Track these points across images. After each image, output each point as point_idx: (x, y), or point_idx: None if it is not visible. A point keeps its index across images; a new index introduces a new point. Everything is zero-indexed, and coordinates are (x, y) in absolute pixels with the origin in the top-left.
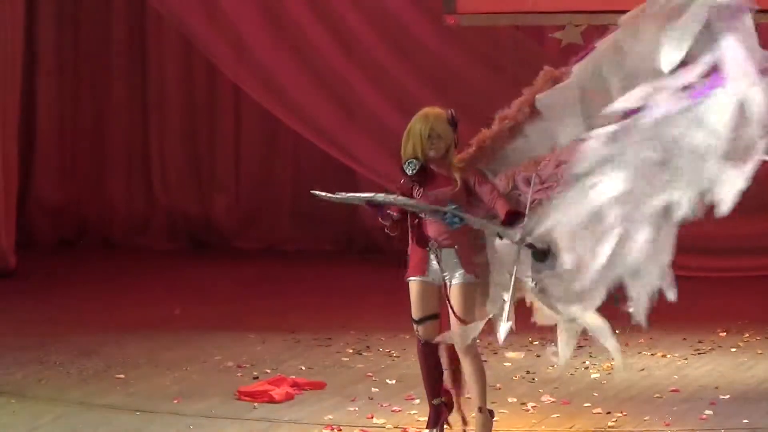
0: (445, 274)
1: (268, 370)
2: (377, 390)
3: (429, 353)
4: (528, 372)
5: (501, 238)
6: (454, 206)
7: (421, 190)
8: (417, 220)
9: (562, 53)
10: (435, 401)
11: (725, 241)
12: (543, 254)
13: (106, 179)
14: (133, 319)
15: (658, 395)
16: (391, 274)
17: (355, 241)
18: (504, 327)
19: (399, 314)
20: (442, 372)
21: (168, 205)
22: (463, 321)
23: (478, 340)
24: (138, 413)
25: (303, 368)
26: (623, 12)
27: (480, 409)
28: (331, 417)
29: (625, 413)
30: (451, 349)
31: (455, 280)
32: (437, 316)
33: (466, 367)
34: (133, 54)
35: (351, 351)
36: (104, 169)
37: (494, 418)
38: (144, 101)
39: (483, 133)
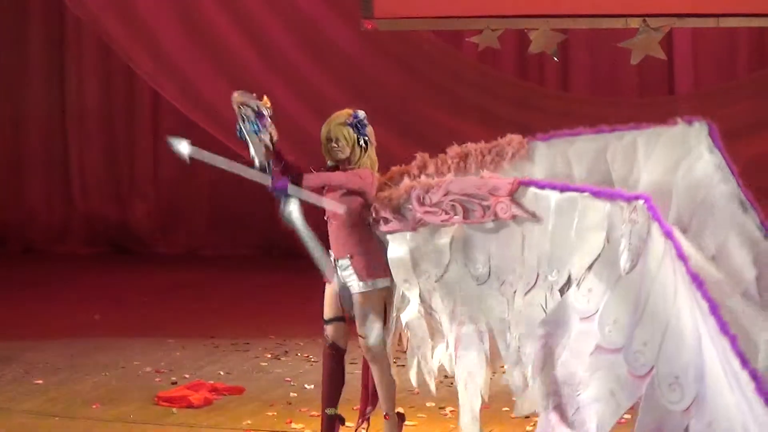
0: (346, 282)
1: (187, 375)
2: (295, 395)
3: (331, 356)
4: (446, 376)
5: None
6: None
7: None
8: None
9: (480, 57)
10: (328, 410)
11: None
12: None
13: (24, 185)
14: (53, 325)
15: None
16: (309, 278)
17: (274, 245)
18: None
19: (317, 319)
20: (342, 382)
21: (87, 211)
22: (360, 331)
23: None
24: (57, 419)
25: (221, 373)
26: (540, 17)
27: (386, 416)
28: (249, 422)
29: None
30: (367, 365)
31: (353, 289)
32: (346, 320)
33: (374, 373)
34: (52, 59)
35: (269, 356)
36: (23, 175)
37: (405, 422)
38: (62, 107)
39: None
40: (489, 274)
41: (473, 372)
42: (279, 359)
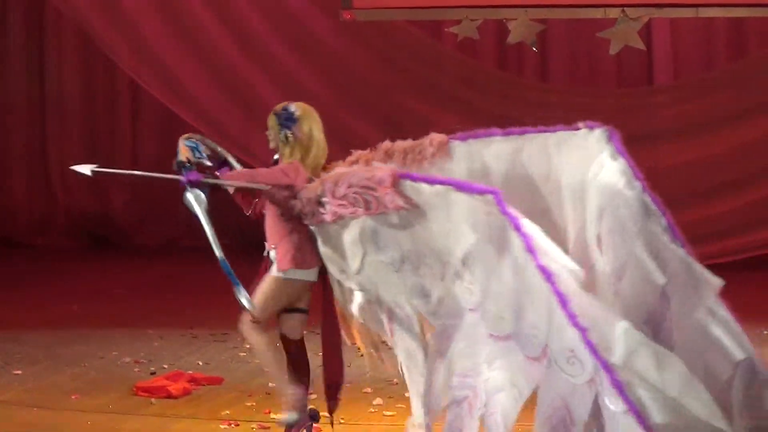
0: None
1: (166, 366)
2: (274, 385)
3: (287, 346)
4: None
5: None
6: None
7: None
8: None
9: (459, 48)
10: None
11: None
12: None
13: (4, 178)
14: (32, 316)
15: None
16: None
17: (249, 235)
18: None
19: None
20: (297, 367)
21: (67, 203)
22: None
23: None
24: (36, 409)
25: (200, 364)
26: (519, 7)
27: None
28: (228, 412)
29: None
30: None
31: (270, 272)
32: (299, 311)
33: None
34: (32, 51)
35: (248, 346)
36: (3, 168)
37: (320, 422)
38: (42, 99)
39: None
40: (403, 260)
41: (411, 355)
42: None
